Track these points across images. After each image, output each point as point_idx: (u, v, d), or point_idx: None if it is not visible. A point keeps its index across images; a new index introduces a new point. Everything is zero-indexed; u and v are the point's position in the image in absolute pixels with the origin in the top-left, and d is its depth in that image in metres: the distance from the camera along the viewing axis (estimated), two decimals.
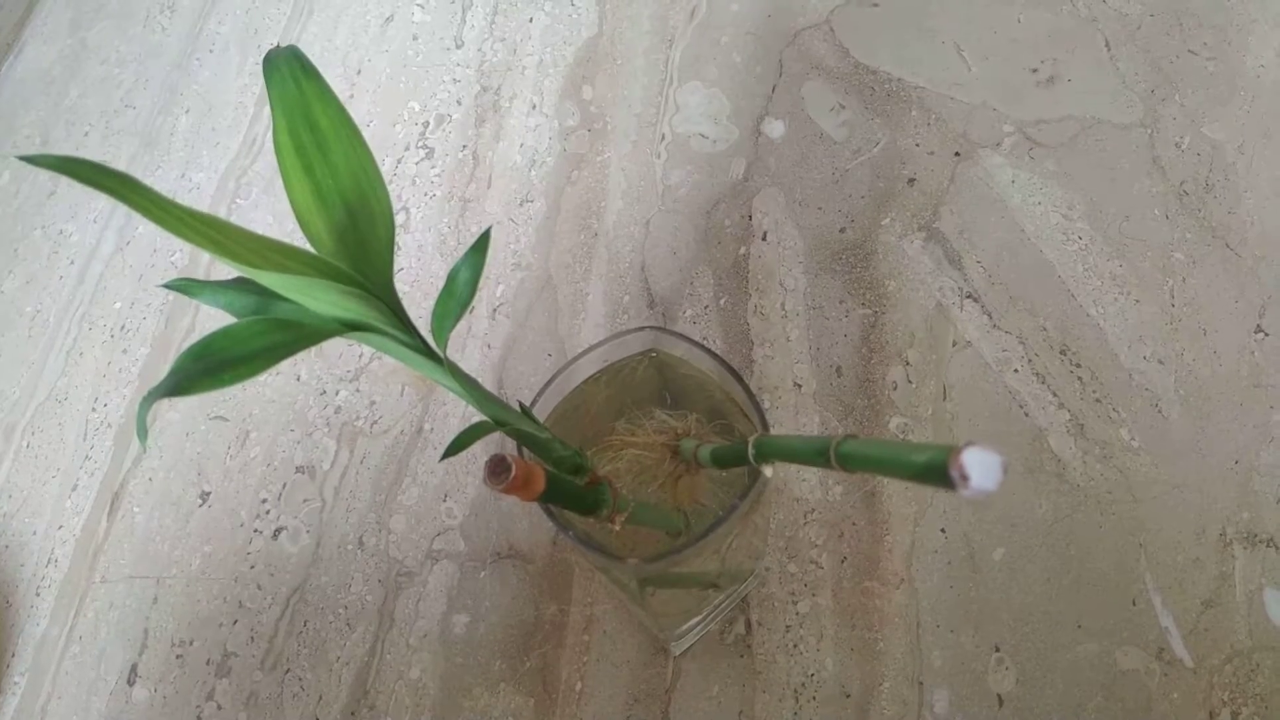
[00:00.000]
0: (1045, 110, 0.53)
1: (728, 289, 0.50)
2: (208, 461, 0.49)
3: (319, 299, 0.19)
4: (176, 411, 0.51)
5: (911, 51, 0.56)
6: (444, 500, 0.47)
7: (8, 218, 0.60)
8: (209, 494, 0.49)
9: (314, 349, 0.52)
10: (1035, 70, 0.55)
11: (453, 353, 0.50)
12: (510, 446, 0.29)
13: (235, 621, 0.45)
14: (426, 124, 0.58)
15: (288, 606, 0.45)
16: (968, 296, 0.48)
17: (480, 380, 0.30)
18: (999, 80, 0.55)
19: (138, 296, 0.55)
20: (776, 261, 0.50)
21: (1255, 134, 0.51)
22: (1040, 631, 0.41)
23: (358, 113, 0.59)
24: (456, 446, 0.24)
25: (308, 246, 0.21)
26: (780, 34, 0.58)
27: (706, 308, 0.50)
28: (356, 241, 0.21)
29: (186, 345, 0.38)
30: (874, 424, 0.46)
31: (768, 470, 0.27)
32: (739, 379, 0.30)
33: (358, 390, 0.50)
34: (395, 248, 0.45)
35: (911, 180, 0.52)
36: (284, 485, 0.48)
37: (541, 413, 0.31)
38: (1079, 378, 0.46)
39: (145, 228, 0.58)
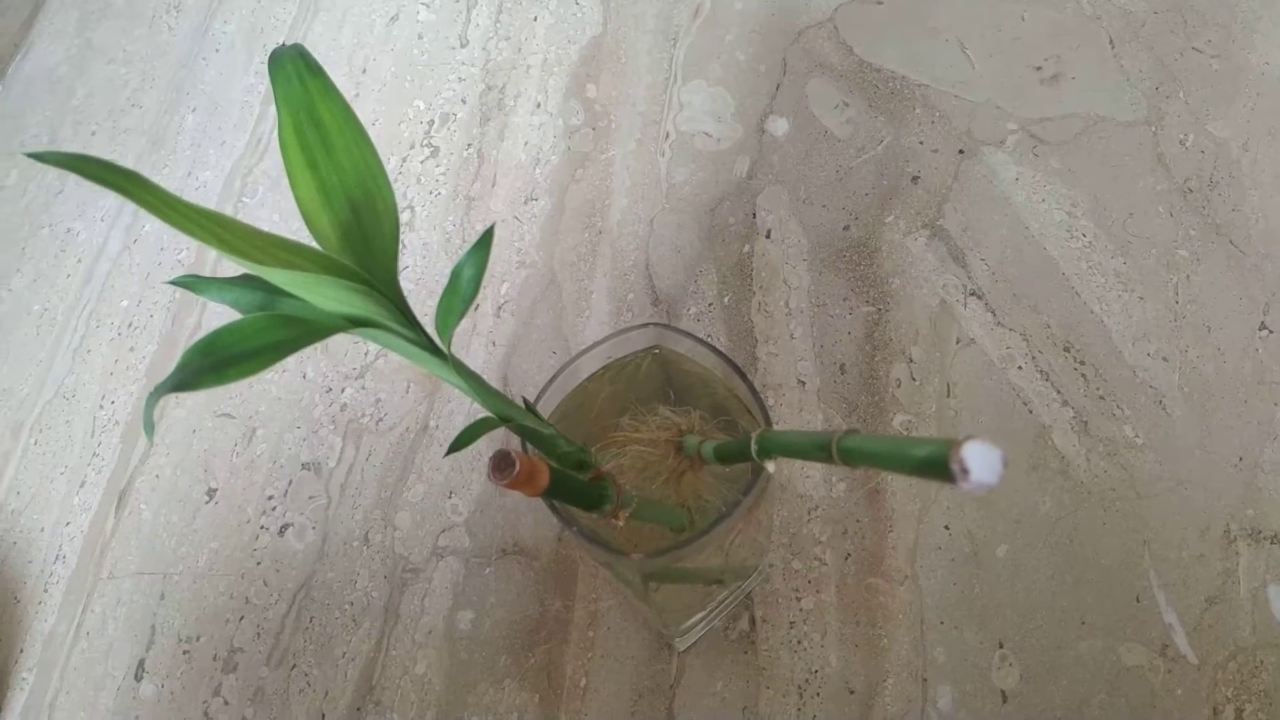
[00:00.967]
0: (1049, 108, 0.53)
1: (731, 286, 0.50)
2: (214, 459, 0.50)
3: (324, 295, 0.19)
4: (183, 409, 0.51)
5: (915, 49, 0.56)
6: (449, 497, 0.47)
7: (15, 216, 0.60)
8: (215, 491, 0.49)
9: (320, 346, 0.52)
10: (1039, 68, 0.55)
11: (457, 350, 0.50)
12: (515, 443, 0.29)
13: (242, 617, 0.46)
14: (431, 122, 0.58)
15: (294, 603, 0.46)
16: (971, 294, 0.48)
17: (485, 377, 0.31)
18: (1003, 78, 0.54)
19: (145, 294, 0.55)
20: (780, 259, 0.50)
21: (1260, 131, 0.51)
22: (1044, 628, 0.41)
23: (363, 111, 0.59)
24: (461, 442, 0.25)
25: (313, 244, 0.21)
26: (784, 32, 0.58)
27: (710, 305, 0.50)
28: (361, 238, 0.21)
29: (193, 342, 0.38)
30: (877, 421, 0.46)
31: (770, 466, 0.27)
32: (742, 375, 0.30)
33: (363, 387, 0.50)
34: (400, 245, 0.45)
35: (915, 178, 0.52)
36: (290, 482, 0.48)
37: (546, 409, 0.32)
38: (1083, 375, 0.46)
39: (152, 226, 0.58)
